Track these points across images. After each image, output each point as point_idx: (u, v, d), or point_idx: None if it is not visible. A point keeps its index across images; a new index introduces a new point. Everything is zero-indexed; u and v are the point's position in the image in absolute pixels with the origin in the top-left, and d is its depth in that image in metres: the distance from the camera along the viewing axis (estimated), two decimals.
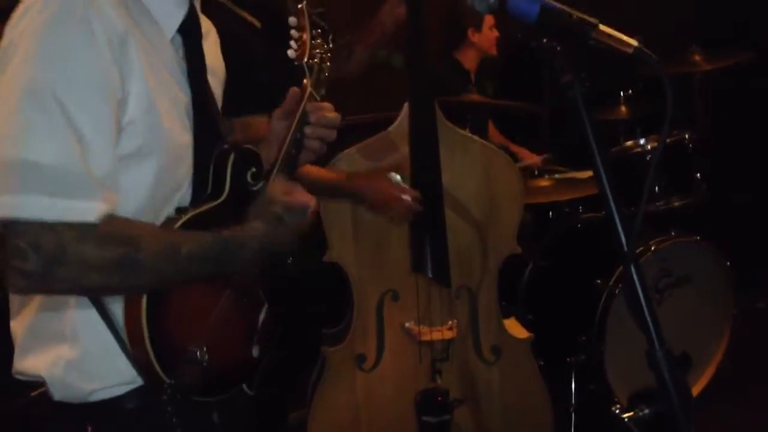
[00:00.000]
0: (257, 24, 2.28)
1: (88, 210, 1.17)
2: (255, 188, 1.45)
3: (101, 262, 1.18)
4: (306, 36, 1.56)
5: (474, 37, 3.85)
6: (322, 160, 2.30)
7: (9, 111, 1.17)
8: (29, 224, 1.15)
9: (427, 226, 2.39)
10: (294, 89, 1.53)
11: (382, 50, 2.63)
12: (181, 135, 1.34)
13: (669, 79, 1.18)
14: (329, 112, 1.53)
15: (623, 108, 3.70)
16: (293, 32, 1.55)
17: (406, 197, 2.29)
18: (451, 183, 2.48)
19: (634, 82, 3.77)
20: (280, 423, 2.76)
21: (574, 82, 1.23)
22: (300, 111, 1.51)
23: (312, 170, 2.36)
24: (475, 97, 3.46)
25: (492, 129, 4.06)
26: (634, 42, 1.22)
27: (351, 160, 2.47)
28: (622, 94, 3.73)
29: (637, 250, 3.07)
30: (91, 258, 1.17)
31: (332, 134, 1.54)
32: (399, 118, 2.50)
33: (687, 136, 3.36)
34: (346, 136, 2.27)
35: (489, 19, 3.86)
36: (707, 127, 3.79)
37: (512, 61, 4.30)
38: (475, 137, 2.62)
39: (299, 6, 1.58)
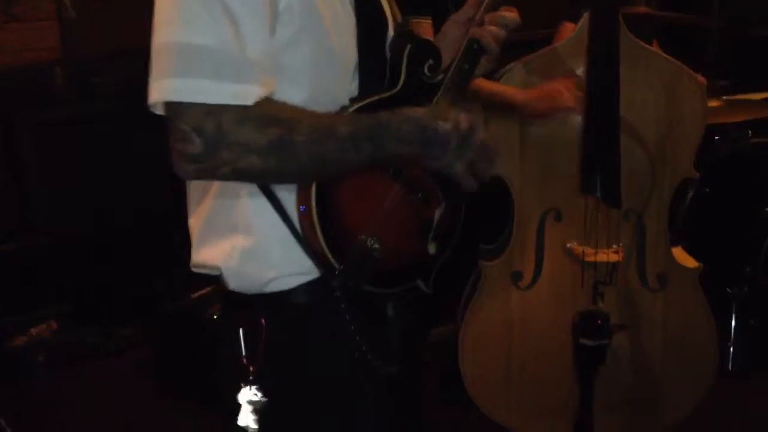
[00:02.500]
0: None
1: (247, 93, 1.17)
2: (432, 81, 1.39)
3: (258, 144, 1.17)
4: None
5: None
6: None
7: (169, 0, 1.18)
8: (192, 107, 1.16)
9: (601, 145, 2.29)
10: None
11: None
12: (341, 23, 1.31)
13: None
14: (509, 12, 1.43)
15: None
16: None
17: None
18: (630, 101, 2.35)
19: None
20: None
21: None
22: (481, 11, 1.42)
23: (483, 84, 2.29)
24: (642, 9, 3.25)
25: (656, 46, 3.82)
26: None
27: (514, 76, 2.39)
28: None
29: None
30: (249, 140, 1.17)
31: (508, 32, 1.43)
32: (577, 29, 2.37)
33: None
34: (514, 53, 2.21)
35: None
36: None
37: None
38: (660, 52, 2.48)
39: None
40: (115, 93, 3.60)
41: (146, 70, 1.20)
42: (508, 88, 2.40)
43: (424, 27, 2.11)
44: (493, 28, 1.40)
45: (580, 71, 2.39)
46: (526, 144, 2.42)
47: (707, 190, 3.17)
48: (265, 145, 1.17)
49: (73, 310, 3.65)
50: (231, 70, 1.17)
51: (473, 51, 1.40)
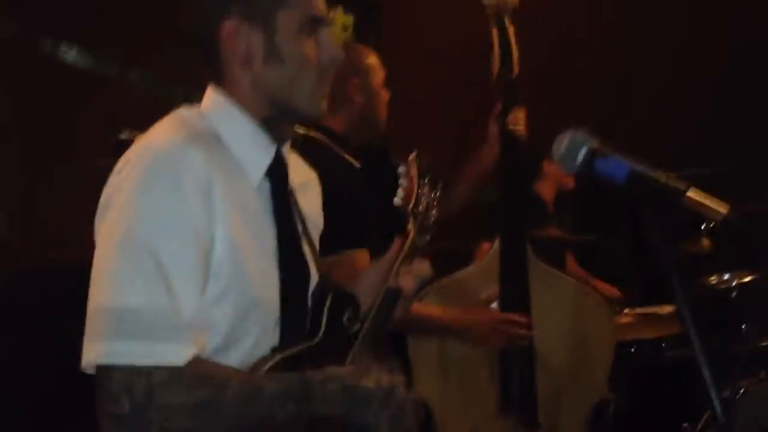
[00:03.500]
0: (357, 164, 2.37)
1: (178, 353, 1.22)
2: (351, 330, 1.47)
3: (187, 405, 1.22)
4: (414, 185, 1.60)
5: (550, 168, 3.89)
6: None
7: (106, 261, 1.26)
8: (123, 369, 1.21)
9: (517, 365, 2.39)
10: (397, 242, 1.57)
11: (482, 185, 2.71)
12: (265, 276, 1.38)
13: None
14: (422, 264, 1.56)
15: (705, 241, 3.66)
16: (402, 181, 1.60)
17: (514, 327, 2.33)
18: (541, 322, 2.46)
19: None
20: None
21: (661, 247, 1.24)
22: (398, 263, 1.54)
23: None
24: (554, 231, 3.49)
25: (571, 261, 4.04)
26: (724, 208, 1.24)
27: (430, 301, 2.47)
28: (703, 226, 3.69)
29: (723, 393, 3.05)
30: (178, 401, 1.21)
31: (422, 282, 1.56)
32: (489, 253, 2.53)
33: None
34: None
35: None
36: None
37: (589, 192, 4.32)
38: (567, 275, 2.63)
39: (410, 156, 1.64)
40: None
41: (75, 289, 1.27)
42: (437, 310, 2.46)
43: (359, 258, 2.20)
44: (408, 279, 1.52)
45: (492, 294, 2.49)
46: (445, 363, 2.48)
47: (627, 406, 3.23)
48: (193, 405, 1.22)
49: None
50: (163, 331, 1.22)
51: (390, 301, 1.51)
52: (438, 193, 1.64)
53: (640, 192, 1.29)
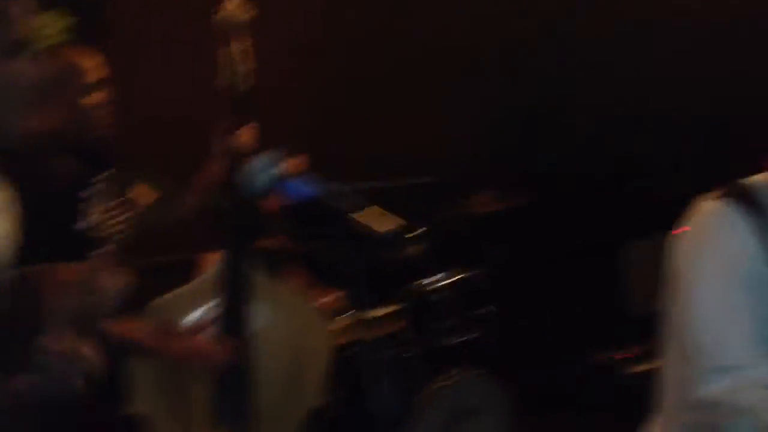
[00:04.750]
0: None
1: None
2: None
3: None
4: (102, 209, 1.62)
5: None
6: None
7: None
8: None
9: (232, 379, 2.42)
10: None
11: (212, 193, 2.71)
12: None
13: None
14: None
15: (419, 246, 3.91)
16: (87, 204, 1.61)
17: (218, 350, 2.35)
18: (261, 335, 2.49)
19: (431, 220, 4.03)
20: None
21: (340, 262, 1.36)
22: None
23: (119, 326, 2.31)
24: (277, 241, 3.56)
25: (295, 271, 4.13)
26: (393, 224, 1.37)
27: (159, 311, 2.46)
28: (418, 231, 3.95)
29: (429, 388, 3.27)
30: None
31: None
32: (212, 266, 2.55)
33: (476, 273, 3.64)
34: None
35: None
36: (497, 264, 4.09)
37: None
38: (286, 285, 2.69)
39: (97, 180, 1.64)
40: None
41: None
42: (143, 328, 2.43)
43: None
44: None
45: (213, 309, 2.50)
46: (161, 381, 2.46)
47: (346, 410, 3.36)
48: None
49: None
50: None
51: None
52: (130, 214, 1.65)
53: (323, 211, 1.41)
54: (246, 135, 2.56)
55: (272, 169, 1.40)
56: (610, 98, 4.40)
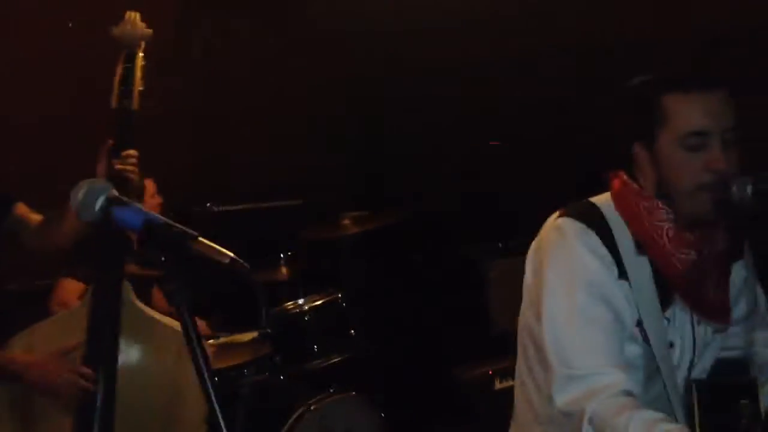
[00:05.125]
0: None
1: None
2: None
3: None
4: None
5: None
6: None
7: None
8: None
9: (96, 413, 2.29)
10: None
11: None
12: None
13: (260, 285, 1.31)
14: None
15: (284, 269, 3.90)
16: None
17: (77, 378, 2.26)
18: (132, 369, 2.40)
19: (294, 243, 4.02)
20: None
21: (178, 291, 1.31)
22: None
23: None
24: (134, 268, 3.44)
25: (157, 295, 4.02)
26: (229, 254, 1.33)
27: (23, 343, 2.37)
28: (282, 255, 3.93)
29: (298, 411, 3.27)
30: None
31: None
32: (84, 298, 2.44)
33: (340, 295, 3.63)
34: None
35: (150, 187, 3.89)
36: (360, 285, 4.11)
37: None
38: (163, 319, 2.52)
39: None
40: None
41: None
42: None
43: None
44: None
45: (69, 346, 2.37)
46: (23, 411, 2.36)
47: None
48: None
49: None
50: None
51: None
52: None
53: (156, 239, 1.35)
54: (130, 158, 2.45)
55: (104, 194, 1.34)
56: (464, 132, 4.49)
